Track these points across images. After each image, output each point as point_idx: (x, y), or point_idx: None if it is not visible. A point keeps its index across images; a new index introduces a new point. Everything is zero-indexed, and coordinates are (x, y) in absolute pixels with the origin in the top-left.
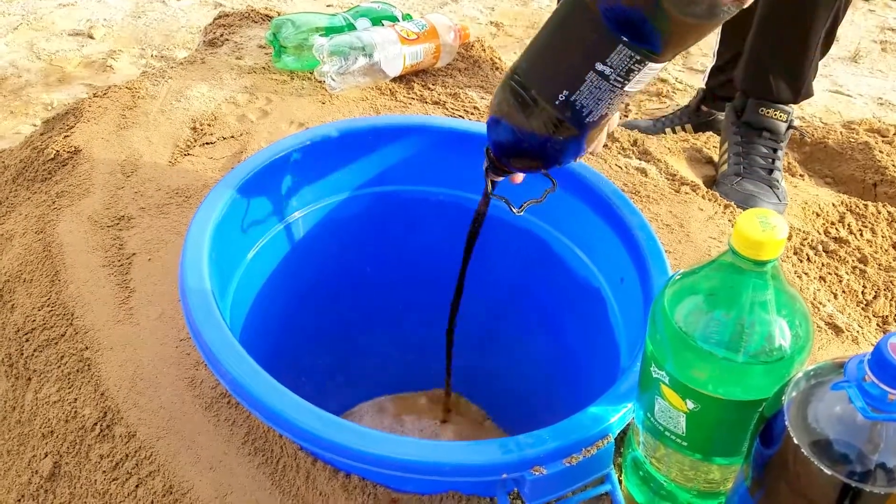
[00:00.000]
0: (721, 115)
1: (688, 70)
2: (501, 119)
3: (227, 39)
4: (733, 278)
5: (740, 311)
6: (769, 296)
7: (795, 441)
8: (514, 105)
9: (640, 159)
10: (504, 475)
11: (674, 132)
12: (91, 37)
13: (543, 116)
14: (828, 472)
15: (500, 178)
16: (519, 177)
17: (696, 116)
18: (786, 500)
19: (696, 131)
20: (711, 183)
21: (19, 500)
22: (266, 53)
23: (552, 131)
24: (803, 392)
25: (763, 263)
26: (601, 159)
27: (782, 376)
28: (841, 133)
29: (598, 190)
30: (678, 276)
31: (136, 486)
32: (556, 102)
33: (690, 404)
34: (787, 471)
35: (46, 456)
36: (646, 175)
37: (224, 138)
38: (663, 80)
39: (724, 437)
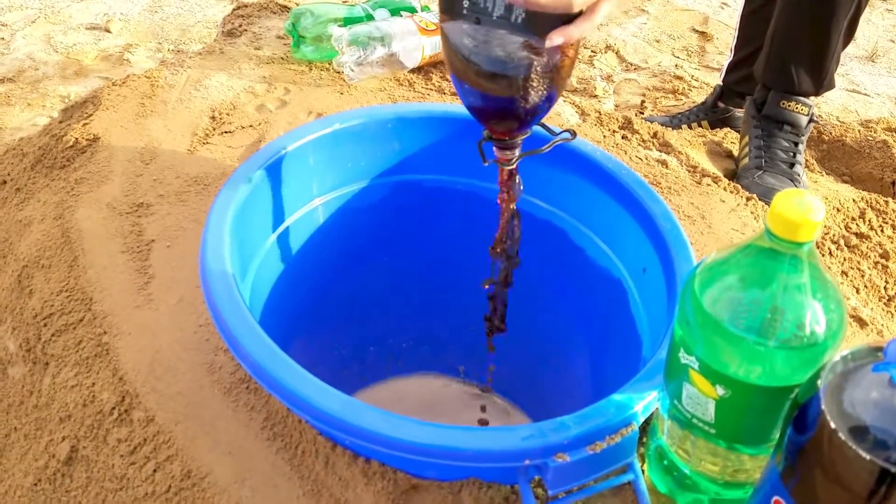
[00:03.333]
0: (738, 112)
1: (704, 68)
2: (455, 78)
3: (246, 30)
4: (767, 261)
5: (774, 295)
6: (804, 279)
7: (832, 425)
8: (451, 52)
9: (660, 151)
10: (527, 461)
11: (690, 129)
12: (108, 31)
13: (463, 33)
14: (866, 456)
15: (513, 154)
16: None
17: (712, 113)
18: (821, 487)
19: (712, 128)
20: (731, 176)
21: (36, 484)
22: (285, 44)
23: (480, 43)
24: (840, 375)
25: (799, 245)
26: (621, 150)
27: (815, 362)
28: (858, 131)
29: (619, 179)
30: (709, 260)
31: (154, 471)
32: (465, 10)
33: (720, 390)
34: (823, 457)
35: (64, 440)
36: (666, 167)
37: (242, 127)
38: (679, 78)
39: (754, 425)
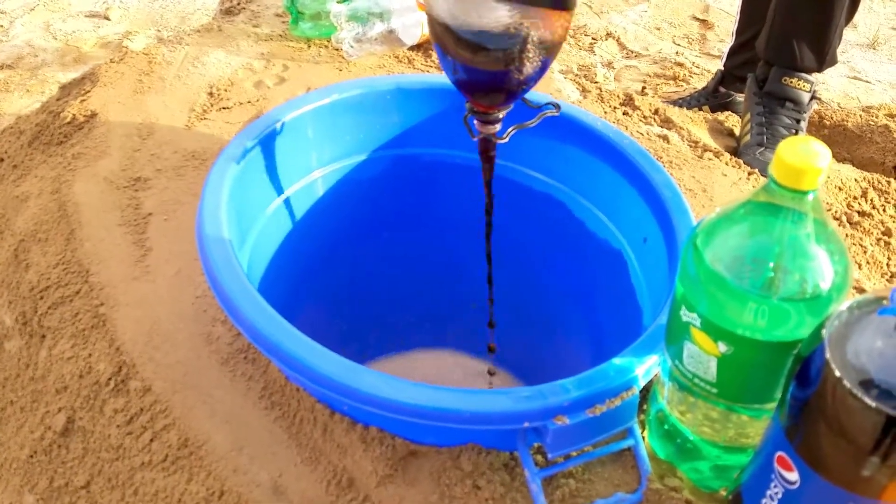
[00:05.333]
0: (739, 97)
1: (704, 56)
2: (439, 49)
3: (244, 8)
4: (771, 213)
5: (777, 247)
6: (808, 229)
7: (837, 374)
8: (437, 23)
9: (661, 127)
10: (526, 423)
11: None
12: (107, 18)
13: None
14: (872, 404)
15: (495, 128)
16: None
17: (713, 98)
18: (826, 440)
19: (713, 112)
20: (733, 153)
21: (32, 456)
22: (283, 22)
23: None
24: (844, 324)
25: (803, 194)
26: (622, 126)
27: (819, 315)
28: (860, 116)
29: (620, 148)
30: (712, 215)
31: (151, 440)
32: None
33: (722, 347)
34: (827, 409)
35: (60, 411)
36: (668, 142)
37: (241, 103)
38: (680, 65)
39: (756, 383)
